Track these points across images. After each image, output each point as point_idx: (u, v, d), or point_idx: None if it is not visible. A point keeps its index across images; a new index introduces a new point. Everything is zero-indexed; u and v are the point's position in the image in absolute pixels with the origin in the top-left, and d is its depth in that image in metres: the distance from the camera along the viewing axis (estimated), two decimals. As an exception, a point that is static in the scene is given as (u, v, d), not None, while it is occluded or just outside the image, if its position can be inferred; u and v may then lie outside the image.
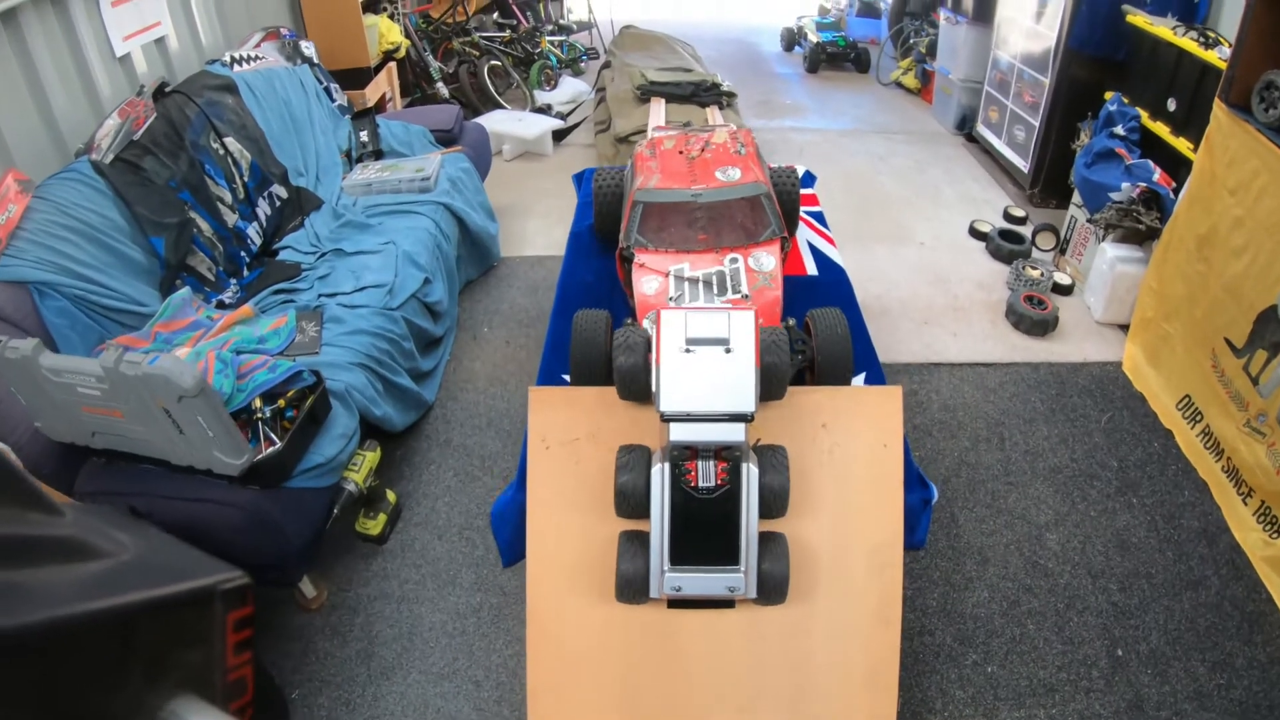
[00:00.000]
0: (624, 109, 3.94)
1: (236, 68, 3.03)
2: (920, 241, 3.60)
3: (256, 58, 3.14)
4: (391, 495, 2.40)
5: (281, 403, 2.08)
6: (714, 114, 3.74)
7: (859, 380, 1.80)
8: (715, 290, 1.64)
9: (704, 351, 1.33)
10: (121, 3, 2.73)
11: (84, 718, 0.38)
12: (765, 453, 1.39)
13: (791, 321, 1.66)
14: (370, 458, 2.25)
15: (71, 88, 2.56)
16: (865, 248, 3.52)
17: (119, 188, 2.39)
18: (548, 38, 5.60)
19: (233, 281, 2.68)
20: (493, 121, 4.51)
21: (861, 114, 5.15)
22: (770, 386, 1.37)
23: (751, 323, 1.33)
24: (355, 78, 3.95)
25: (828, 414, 1.49)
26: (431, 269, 2.75)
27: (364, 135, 3.36)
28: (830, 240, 2.32)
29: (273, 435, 2.02)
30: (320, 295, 2.53)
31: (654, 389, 1.31)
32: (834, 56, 5.85)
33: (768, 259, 1.69)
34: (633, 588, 1.36)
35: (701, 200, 1.78)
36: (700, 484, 1.30)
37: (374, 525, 2.31)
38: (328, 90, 3.49)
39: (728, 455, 1.31)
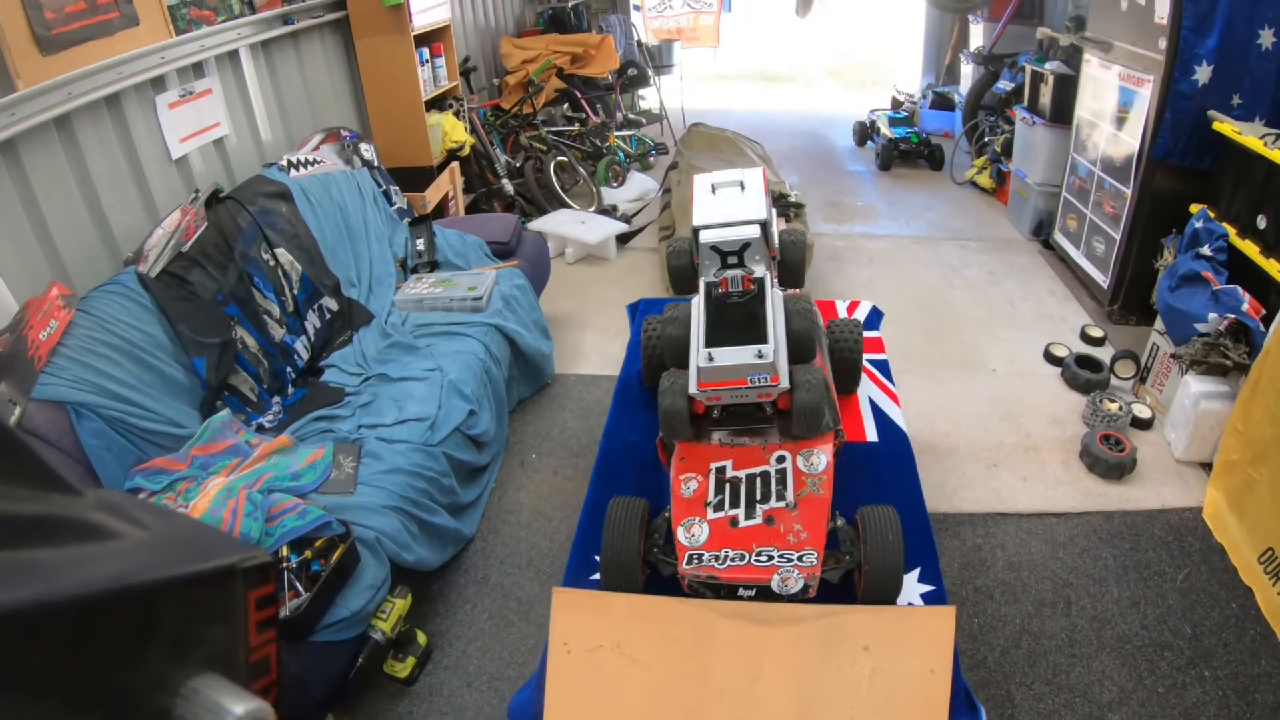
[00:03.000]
0: (688, 218, 3.93)
1: (293, 172, 3.10)
2: (992, 368, 3.50)
3: (314, 161, 3.22)
4: (422, 637, 2.35)
5: (309, 554, 2.02)
6: (781, 224, 3.71)
7: (911, 577, 1.69)
8: (759, 496, 1.55)
9: (725, 190, 1.87)
10: (180, 104, 2.83)
11: (107, 696, 0.39)
12: (795, 341, 1.63)
13: (841, 521, 1.60)
14: (400, 605, 2.22)
15: (125, 192, 2.64)
16: (935, 377, 3.43)
17: (163, 303, 2.41)
18: (616, 132, 5.71)
19: (275, 401, 2.66)
20: (555, 223, 4.56)
21: (935, 217, 5.12)
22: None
23: (760, 176, 1.89)
24: (418, 178, 4.04)
25: (870, 635, 1.39)
26: (478, 398, 2.70)
27: (420, 244, 3.39)
28: (894, 397, 2.22)
29: (298, 585, 1.97)
30: (361, 426, 2.49)
31: (691, 217, 1.81)
32: (907, 154, 5.84)
33: (819, 458, 1.59)
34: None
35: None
36: (730, 289, 1.65)
37: (402, 669, 2.26)
38: (387, 194, 3.55)
39: (754, 279, 1.65)
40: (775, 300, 1.66)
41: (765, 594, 1.47)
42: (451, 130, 4.20)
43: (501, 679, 2.32)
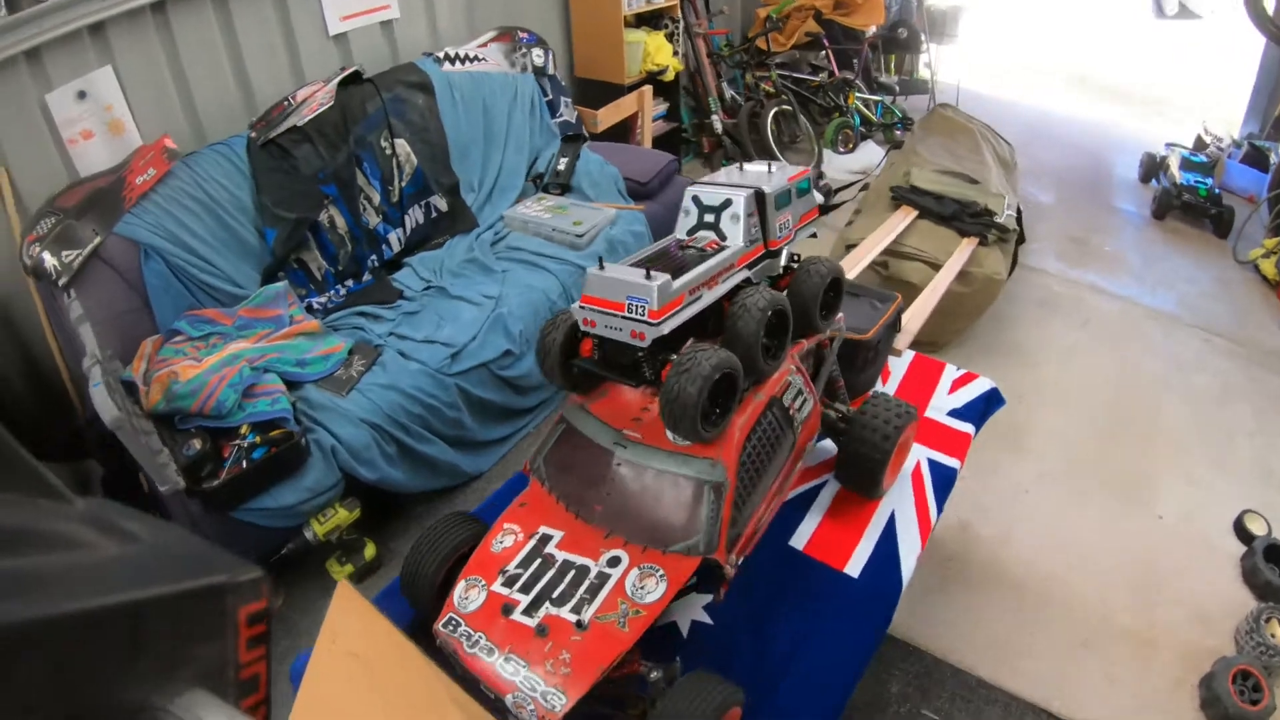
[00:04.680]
0: (874, 208, 3.46)
1: (447, 65, 3.16)
2: (1159, 514, 2.62)
3: (476, 58, 3.25)
4: (371, 550, 2.47)
5: (259, 439, 2.15)
6: (967, 249, 3.11)
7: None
8: (555, 594, 1.28)
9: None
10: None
11: (94, 712, 0.39)
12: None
13: (655, 675, 1.26)
14: (343, 515, 2.35)
15: (275, 61, 2.86)
16: (1079, 496, 2.68)
17: (257, 171, 2.61)
18: (860, 94, 5.13)
19: (340, 287, 2.82)
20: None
21: (1190, 294, 3.93)
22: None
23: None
24: (607, 94, 3.94)
25: None
26: (528, 338, 2.64)
27: (563, 164, 3.32)
28: (927, 522, 1.74)
29: (243, 465, 2.10)
30: (392, 333, 2.58)
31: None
32: (1190, 207, 4.51)
33: (656, 587, 1.25)
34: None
35: (622, 457, 1.38)
36: (686, 247, 1.50)
37: (340, 572, 2.41)
38: (553, 104, 3.51)
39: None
40: (737, 281, 1.46)
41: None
42: (655, 52, 4.03)
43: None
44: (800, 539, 1.69)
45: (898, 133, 5.07)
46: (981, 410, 2.09)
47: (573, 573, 1.31)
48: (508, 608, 1.29)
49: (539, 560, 1.34)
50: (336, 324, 2.65)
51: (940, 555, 2.42)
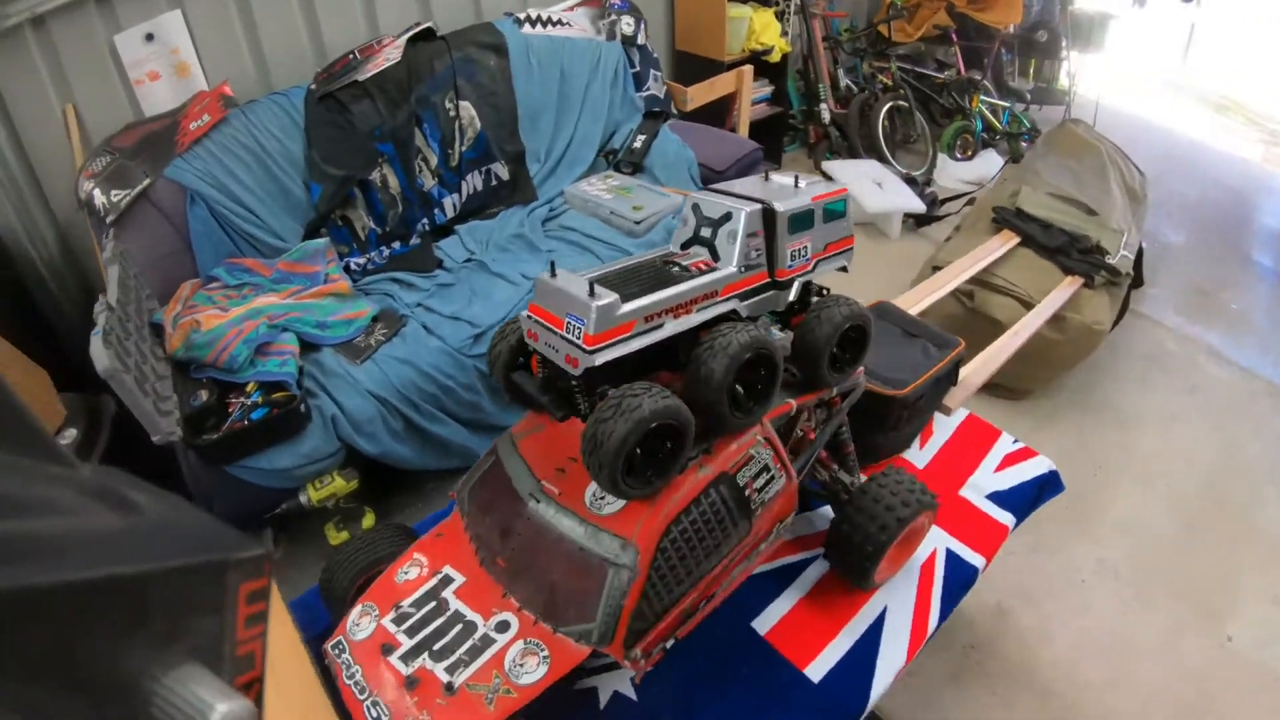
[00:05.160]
0: (973, 227, 3.13)
1: (527, 27, 3.07)
2: (1229, 635, 2.21)
3: (560, 21, 3.13)
4: (369, 520, 2.48)
5: (260, 400, 2.14)
6: (1068, 290, 2.74)
7: None
8: (438, 645, 1.17)
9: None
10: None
11: (93, 681, 0.39)
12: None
13: None
14: (340, 484, 2.34)
15: (349, 11, 2.77)
16: (1142, 594, 2.30)
17: (311, 125, 2.61)
18: (986, 98, 4.67)
19: (384, 248, 2.79)
20: (839, 170, 3.96)
21: None
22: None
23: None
24: (703, 69, 3.73)
25: None
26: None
27: (640, 141, 3.16)
28: (922, 634, 1.50)
29: (244, 422, 2.10)
30: (420, 304, 2.52)
31: None
32: None
33: (537, 669, 1.11)
34: None
35: (533, 512, 1.23)
36: (674, 262, 1.31)
37: (335, 538, 2.43)
38: (640, 76, 3.35)
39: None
40: (718, 312, 1.24)
41: None
42: (760, 29, 3.77)
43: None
44: (765, 621, 1.50)
45: (1023, 144, 4.60)
46: (1031, 498, 1.82)
47: (460, 627, 1.20)
48: (388, 648, 1.20)
49: (433, 603, 1.24)
50: (369, 288, 2.62)
51: (963, 640, 2.15)
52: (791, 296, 1.39)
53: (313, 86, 2.65)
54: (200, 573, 0.48)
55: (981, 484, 1.82)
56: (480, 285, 2.60)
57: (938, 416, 1.99)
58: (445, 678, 1.13)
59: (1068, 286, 2.76)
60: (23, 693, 0.36)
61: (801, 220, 1.34)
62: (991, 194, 3.34)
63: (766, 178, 1.45)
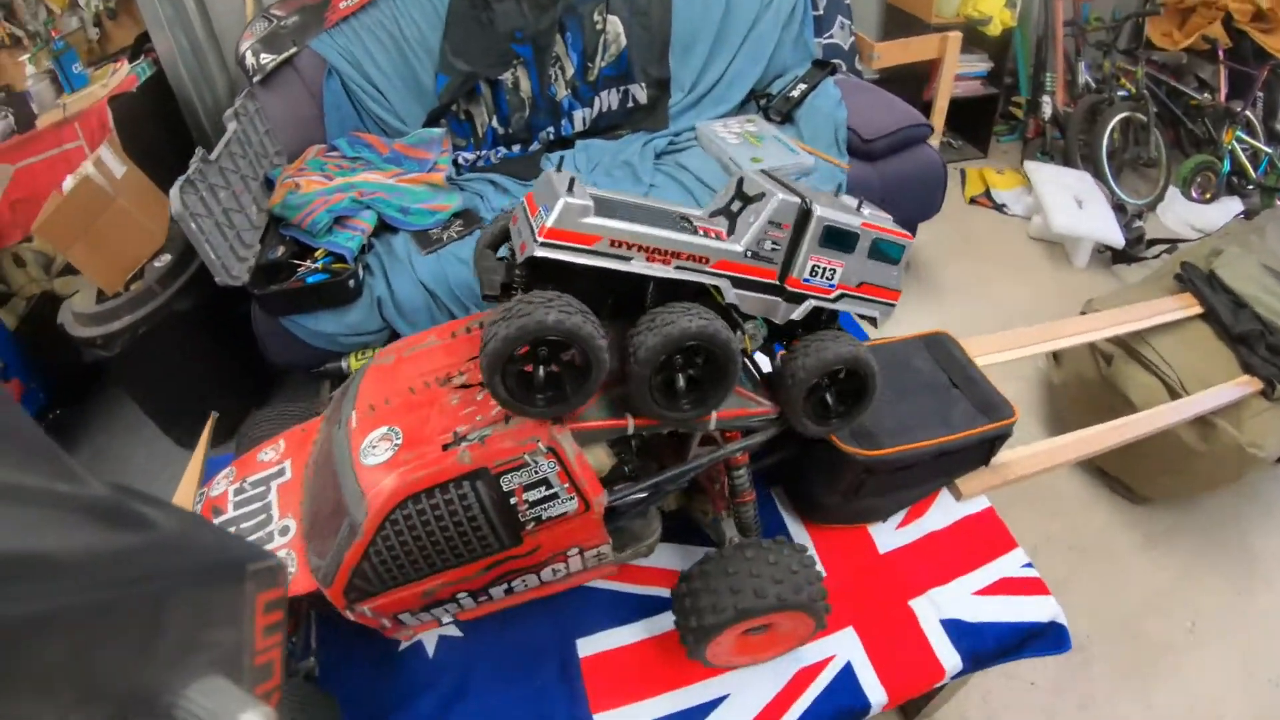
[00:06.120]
0: (1154, 280, 2.58)
1: (702, -49, 2.89)
2: None
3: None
4: None
5: (320, 266, 2.30)
6: (1236, 392, 2.16)
7: None
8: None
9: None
10: None
11: (112, 696, 0.41)
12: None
13: None
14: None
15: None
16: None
17: (451, 16, 2.69)
18: (1244, 136, 3.75)
19: (501, 149, 2.85)
20: (1040, 174, 3.45)
21: None
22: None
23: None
24: (908, 27, 3.37)
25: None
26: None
27: (797, 90, 2.95)
28: None
29: (301, 283, 2.31)
30: (504, 210, 2.53)
31: None
32: None
33: (289, 580, 1.12)
34: None
35: (329, 437, 1.24)
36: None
37: None
38: (822, 22, 3.10)
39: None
40: (695, 282, 1.16)
41: None
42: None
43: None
44: (591, 644, 1.37)
45: (1279, 202, 3.70)
46: (1008, 646, 1.42)
47: (262, 517, 1.28)
48: (217, 511, 1.33)
49: (261, 489, 1.34)
50: (466, 184, 2.70)
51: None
52: (795, 315, 1.25)
53: (463, -21, 2.72)
54: (217, 585, 0.50)
55: (945, 602, 1.45)
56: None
57: (945, 498, 1.64)
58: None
59: (1238, 387, 2.18)
60: (39, 710, 0.35)
61: (839, 239, 1.21)
62: (1194, 247, 2.73)
63: (837, 194, 1.30)
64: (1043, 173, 3.54)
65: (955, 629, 1.40)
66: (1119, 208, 3.45)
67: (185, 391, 2.52)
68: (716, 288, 1.17)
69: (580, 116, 2.95)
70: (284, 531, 1.22)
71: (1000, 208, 3.67)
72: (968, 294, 3.19)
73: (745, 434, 1.28)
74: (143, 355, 2.35)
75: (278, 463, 1.35)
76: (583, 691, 1.31)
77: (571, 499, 1.13)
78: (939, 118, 3.45)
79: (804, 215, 1.17)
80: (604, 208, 1.11)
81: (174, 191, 2.04)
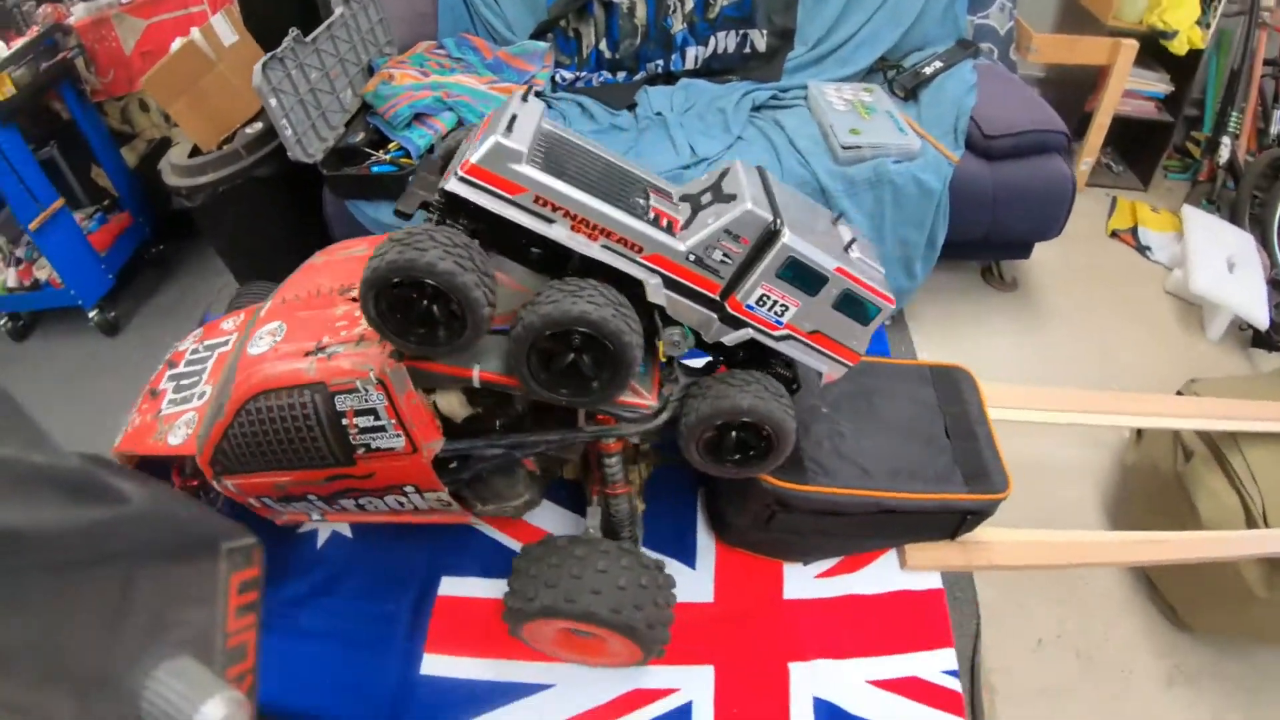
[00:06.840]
0: (1273, 379, 2.22)
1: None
2: None
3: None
4: None
5: (390, 159, 2.37)
6: None
7: None
8: (175, 390, 1.32)
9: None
10: None
11: (75, 675, 0.41)
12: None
13: None
14: None
15: None
16: None
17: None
18: None
19: (603, 73, 2.81)
20: (1198, 222, 3.03)
21: None
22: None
23: None
24: (1082, 25, 3.03)
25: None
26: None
27: (931, 67, 2.73)
28: None
29: (368, 171, 2.39)
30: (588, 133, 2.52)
31: None
32: None
33: (180, 437, 1.23)
34: None
35: (256, 317, 1.30)
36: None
37: None
38: (986, -4, 2.85)
39: None
40: (619, 266, 1.09)
41: None
42: (1169, 7, 2.88)
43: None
44: (453, 586, 1.39)
45: None
46: None
47: (195, 378, 1.37)
48: (172, 364, 1.44)
49: (208, 354, 1.43)
50: (556, 100, 2.68)
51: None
52: (727, 339, 1.15)
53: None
54: (189, 562, 0.48)
55: (830, 679, 1.27)
56: (648, 144, 2.54)
57: (890, 560, 1.45)
58: (162, 403, 1.34)
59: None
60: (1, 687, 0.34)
61: (803, 276, 1.09)
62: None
63: (835, 222, 1.19)
64: (1199, 221, 3.10)
65: (827, 713, 1.24)
66: (1276, 283, 2.98)
67: (257, 249, 2.68)
68: (640, 280, 1.07)
69: (693, 54, 2.85)
70: (200, 396, 1.30)
71: (1143, 249, 3.24)
72: (1070, 330, 2.87)
73: (617, 421, 1.20)
74: (221, 211, 2.51)
75: (230, 333, 1.42)
76: (424, 628, 1.32)
77: (399, 436, 1.12)
78: (1097, 134, 3.08)
79: (769, 236, 1.05)
80: (554, 155, 1.04)
81: (257, 66, 2.13)
